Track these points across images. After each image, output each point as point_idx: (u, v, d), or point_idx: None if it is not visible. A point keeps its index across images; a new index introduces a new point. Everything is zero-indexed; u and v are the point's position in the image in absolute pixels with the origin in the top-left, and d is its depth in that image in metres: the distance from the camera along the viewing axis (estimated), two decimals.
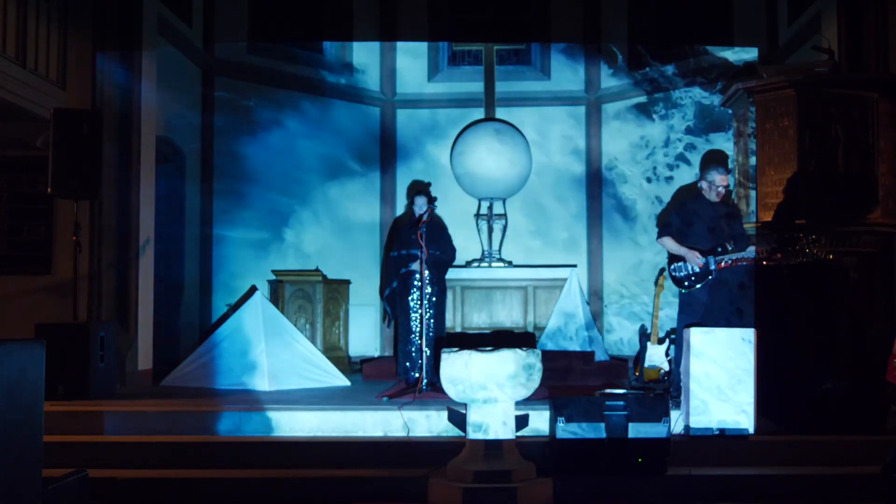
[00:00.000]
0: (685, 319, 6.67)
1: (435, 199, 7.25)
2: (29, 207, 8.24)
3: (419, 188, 7.70)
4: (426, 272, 7.12)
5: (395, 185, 11.43)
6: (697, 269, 6.71)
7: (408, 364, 7.34)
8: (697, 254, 6.61)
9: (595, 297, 10.97)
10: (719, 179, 6.70)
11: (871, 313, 6.86)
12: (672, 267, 6.86)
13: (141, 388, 7.83)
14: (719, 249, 6.60)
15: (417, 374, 7.08)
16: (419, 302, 7.15)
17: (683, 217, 6.79)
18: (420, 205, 7.43)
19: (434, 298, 7.22)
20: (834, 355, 5.93)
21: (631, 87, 11.21)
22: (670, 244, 6.77)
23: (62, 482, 4.17)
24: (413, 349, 7.24)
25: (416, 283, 7.24)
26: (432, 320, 7.20)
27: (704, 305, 6.64)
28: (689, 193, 7.13)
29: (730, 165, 8.21)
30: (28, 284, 8.03)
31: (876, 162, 7.16)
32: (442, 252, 7.36)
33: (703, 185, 6.81)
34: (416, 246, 7.18)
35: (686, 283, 6.76)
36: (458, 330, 9.55)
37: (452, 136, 10.47)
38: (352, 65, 11.47)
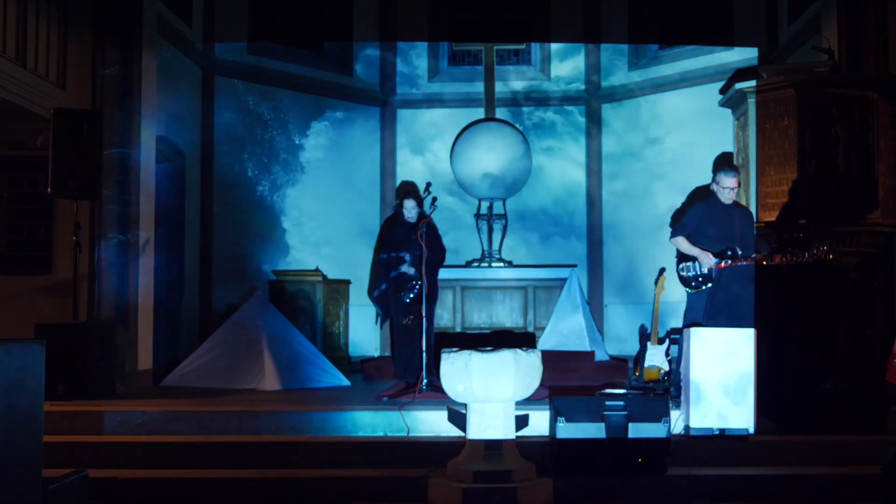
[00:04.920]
0: (691, 319, 6.68)
1: (435, 198, 7.22)
2: (29, 207, 8.23)
3: (407, 190, 7.69)
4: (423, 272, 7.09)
5: (395, 186, 11.43)
6: (706, 271, 6.70)
7: (403, 366, 7.32)
8: (710, 255, 6.61)
9: (595, 296, 10.97)
10: (725, 181, 6.69)
11: (871, 313, 6.87)
12: (680, 267, 6.86)
13: (141, 388, 7.83)
14: (729, 252, 6.59)
15: (414, 375, 7.05)
16: (415, 302, 7.12)
17: (696, 218, 6.79)
18: (409, 207, 7.39)
19: (428, 299, 7.19)
20: (834, 355, 5.93)
21: (631, 87, 11.21)
22: (683, 244, 6.77)
23: (62, 482, 4.17)
24: (407, 351, 7.23)
25: (408, 284, 7.23)
26: (426, 321, 7.17)
27: (712, 305, 6.66)
28: (703, 195, 7.13)
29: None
30: (28, 284, 8.02)
31: (876, 162, 7.16)
32: (434, 252, 7.34)
33: (714, 187, 6.81)
34: (406, 248, 7.20)
35: (693, 284, 6.77)
36: (458, 330, 9.55)
37: (452, 136, 10.47)
38: (352, 65, 11.47)
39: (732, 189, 6.70)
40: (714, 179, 6.81)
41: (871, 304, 7.04)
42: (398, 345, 7.51)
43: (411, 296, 7.23)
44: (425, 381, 6.88)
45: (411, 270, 7.26)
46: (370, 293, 8.85)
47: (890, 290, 7.39)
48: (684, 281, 6.84)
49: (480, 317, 9.70)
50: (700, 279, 6.73)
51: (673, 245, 6.90)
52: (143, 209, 8.18)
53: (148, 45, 8.32)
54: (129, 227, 8.08)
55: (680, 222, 6.98)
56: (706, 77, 10.40)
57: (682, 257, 6.87)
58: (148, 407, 6.40)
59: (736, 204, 6.84)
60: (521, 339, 8.98)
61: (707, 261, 6.65)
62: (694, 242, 6.73)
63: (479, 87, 10.81)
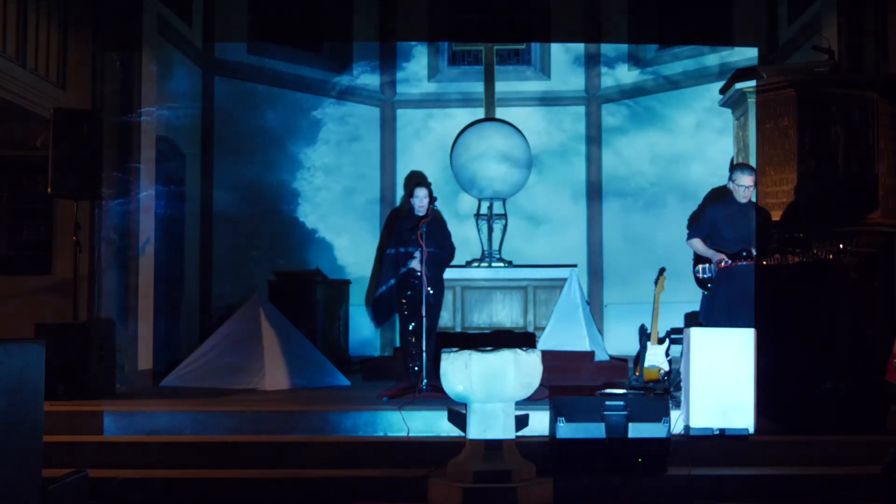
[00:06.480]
0: (706, 320, 6.68)
1: (435, 199, 7.18)
2: (29, 207, 8.24)
3: (418, 180, 7.54)
4: (426, 272, 7.01)
5: (395, 185, 11.44)
6: None
7: (410, 364, 7.28)
8: (724, 256, 6.61)
9: (595, 296, 10.97)
10: (742, 179, 6.68)
11: (871, 313, 6.86)
12: (696, 269, 6.86)
13: (141, 388, 7.83)
14: (744, 254, 6.58)
15: (416, 375, 7.02)
16: (418, 301, 7.07)
17: (712, 219, 6.79)
18: (420, 196, 7.16)
19: (433, 298, 7.14)
20: (834, 355, 5.93)
21: (631, 87, 11.21)
22: (698, 245, 6.78)
23: (62, 482, 4.17)
24: (413, 349, 7.19)
25: (414, 281, 7.11)
26: (430, 320, 7.12)
27: (712, 305, 6.66)
28: (719, 196, 7.14)
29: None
30: (28, 284, 8.03)
31: (876, 162, 7.16)
32: (441, 250, 7.25)
33: (731, 185, 6.81)
34: (414, 244, 7.07)
35: (709, 286, 6.76)
36: (458, 330, 9.54)
37: (452, 137, 10.47)
38: (352, 65, 11.47)
39: (748, 188, 6.70)
40: (730, 178, 6.81)
41: (871, 304, 7.03)
42: (401, 343, 7.43)
43: (413, 294, 7.12)
44: (425, 381, 6.87)
45: (417, 266, 7.06)
46: (374, 291, 8.55)
47: (890, 290, 7.40)
48: (700, 282, 6.84)
49: (480, 317, 9.70)
50: None
51: (690, 247, 6.91)
52: (143, 209, 8.18)
53: (148, 45, 8.33)
54: (130, 226, 8.08)
55: (696, 224, 6.97)
56: (706, 77, 10.40)
57: (697, 259, 6.87)
58: (148, 407, 6.40)
59: (752, 203, 6.84)
60: (521, 339, 8.97)
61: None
62: (710, 244, 6.73)
63: (479, 87, 10.81)
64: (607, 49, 11.37)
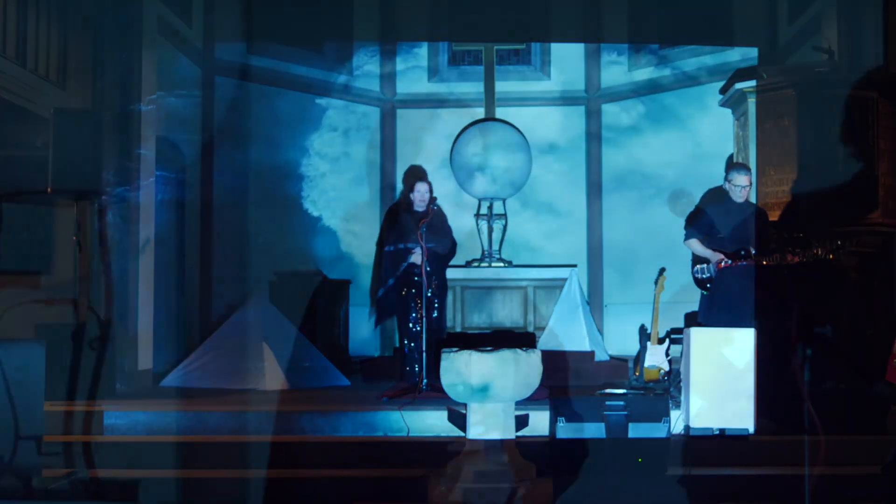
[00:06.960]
0: (706, 320, 6.68)
1: (435, 198, 7.16)
2: (29, 207, 8.22)
3: (419, 175, 7.48)
4: (427, 269, 6.98)
5: (395, 185, 11.43)
6: None
7: (410, 364, 7.26)
8: (723, 256, 6.60)
9: (595, 296, 10.97)
10: (738, 179, 6.68)
11: (872, 313, 6.87)
12: (695, 269, 6.85)
13: (141, 388, 7.83)
14: (743, 253, 6.58)
15: (419, 374, 7.01)
16: (419, 300, 7.05)
17: (709, 219, 6.78)
18: (421, 191, 7.08)
19: (435, 296, 7.11)
20: (834, 355, 5.94)
21: (631, 87, 11.20)
22: (696, 246, 6.77)
23: (62, 482, 4.18)
24: (414, 348, 7.18)
25: (415, 279, 7.05)
26: (433, 319, 7.10)
27: (712, 305, 6.66)
28: (715, 195, 7.16)
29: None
30: (28, 284, 8.02)
31: (876, 162, 7.17)
32: (441, 246, 7.21)
33: (727, 185, 6.80)
34: (414, 241, 7.00)
35: (708, 286, 6.76)
36: (458, 330, 9.53)
37: (452, 137, 10.47)
38: (352, 65, 11.48)
39: (744, 187, 6.69)
40: (726, 178, 6.81)
41: (871, 304, 7.04)
42: (403, 343, 7.41)
43: (414, 292, 7.09)
44: (425, 381, 6.86)
45: (417, 261, 7.00)
46: (375, 291, 8.56)
47: (890, 290, 7.40)
48: (699, 283, 6.83)
49: (480, 317, 9.69)
50: None
51: (687, 247, 6.90)
52: (143, 208, 8.18)
53: (148, 45, 8.33)
54: (130, 226, 8.08)
55: (693, 224, 6.95)
56: (706, 77, 10.39)
57: (696, 259, 6.86)
58: (148, 407, 6.40)
59: (748, 203, 6.84)
60: (521, 339, 8.97)
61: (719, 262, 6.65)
62: (708, 244, 6.72)
63: (479, 87, 10.80)
64: (607, 49, 11.35)
